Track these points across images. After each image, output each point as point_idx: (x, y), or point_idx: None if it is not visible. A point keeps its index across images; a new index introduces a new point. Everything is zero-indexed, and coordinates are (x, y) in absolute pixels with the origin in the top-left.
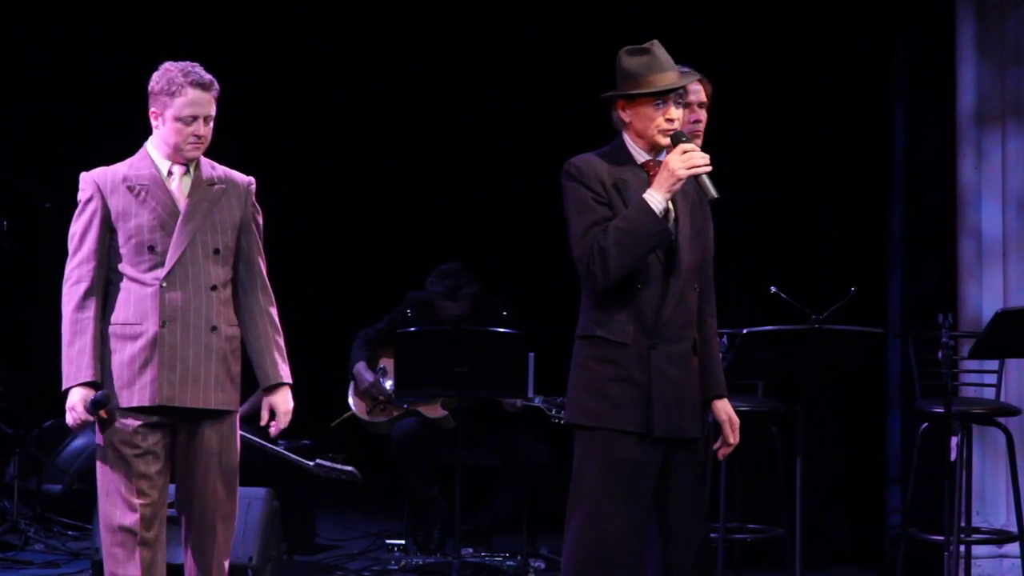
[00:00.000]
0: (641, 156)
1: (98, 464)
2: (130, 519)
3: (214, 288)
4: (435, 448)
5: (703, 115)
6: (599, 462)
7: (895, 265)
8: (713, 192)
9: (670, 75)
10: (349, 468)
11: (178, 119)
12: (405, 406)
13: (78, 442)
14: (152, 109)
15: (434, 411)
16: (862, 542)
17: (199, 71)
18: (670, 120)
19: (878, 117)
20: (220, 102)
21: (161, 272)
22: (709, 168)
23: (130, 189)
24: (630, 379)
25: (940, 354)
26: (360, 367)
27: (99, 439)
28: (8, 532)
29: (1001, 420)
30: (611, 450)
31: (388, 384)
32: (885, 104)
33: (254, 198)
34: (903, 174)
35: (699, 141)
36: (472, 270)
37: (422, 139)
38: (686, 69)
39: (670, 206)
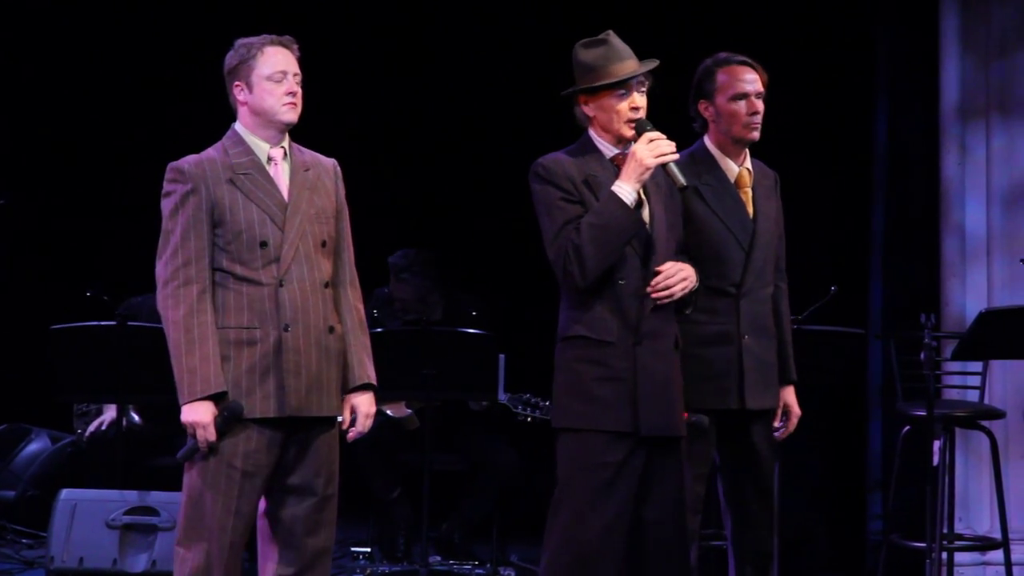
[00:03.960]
0: (609, 150)
1: (195, 474)
2: (220, 543)
3: (326, 285)
4: (395, 448)
5: (761, 106)
6: (583, 465)
7: (876, 264)
8: (682, 180)
9: (629, 63)
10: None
11: (268, 78)
12: None
13: (33, 447)
14: (236, 83)
15: (398, 410)
16: (842, 549)
17: (273, 36)
18: (635, 108)
19: (859, 112)
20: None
21: (275, 269)
22: (676, 156)
23: (233, 179)
24: (616, 378)
25: (923, 355)
26: None
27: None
28: None
29: (985, 423)
30: (596, 452)
31: None
32: (866, 98)
33: (342, 182)
34: (885, 170)
35: (757, 134)
36: (430, 263)
37: (390, 132)
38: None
39: (643, 196)
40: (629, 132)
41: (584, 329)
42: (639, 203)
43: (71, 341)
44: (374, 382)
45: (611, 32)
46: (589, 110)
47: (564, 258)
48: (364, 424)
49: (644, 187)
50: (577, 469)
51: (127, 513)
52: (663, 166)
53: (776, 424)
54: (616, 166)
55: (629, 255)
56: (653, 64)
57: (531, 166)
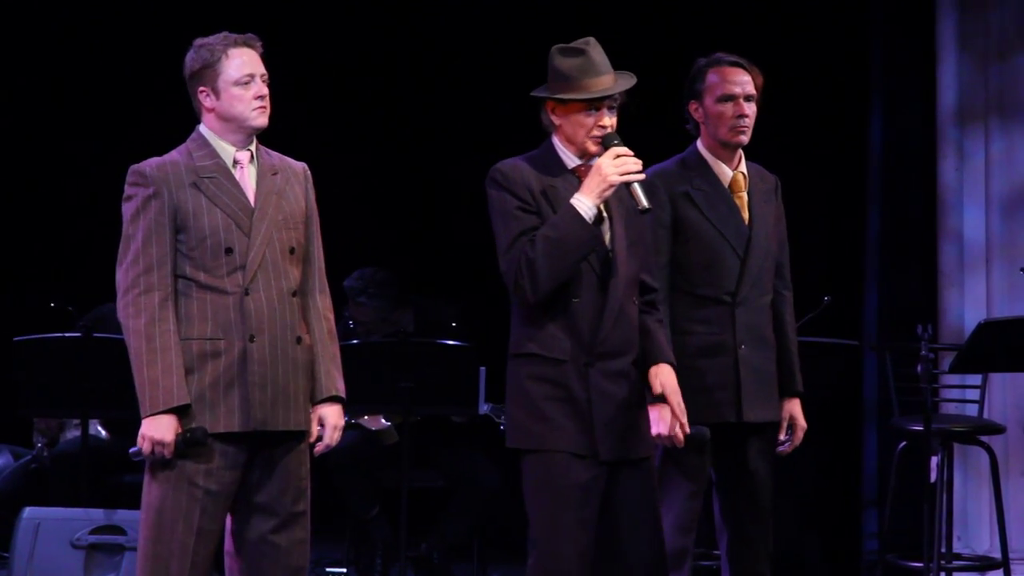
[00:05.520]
0: (572, 160)
1: (153, 495)
2: (181, 564)
3: (294, 293)
4: (374, 465)
5: (751, 109)
6: (548, 487)
7: (871, 273)
8: (645, 203)
9: (605, 79)
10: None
11: (236, 83)
12: (345, 419)
13: None
14: (201, 88)
15: (376, 422)
16: (836, 569)
17: (234, 34)
18: (602, 127)
19: (854, 115)
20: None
21: (241, 277)
22: (642, 176)
23: (197, 183)
24: (569, 398)
25: (919, 368)
26: None
27: (157, 465)
28: None
29: (984, 439)
30: (556, 474)
31: None
32: (861, 101)
33: (312, 186)
34: (880, 176)
35: (745, 138)
36: (388, 283)
37: (365, 138)
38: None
39: (604, 212)
40: (594, 148)
41: (536, 347)
42: (600, 219)
43: (35, 353)
44: (343, 394)
45: (591, 41)
46: (556, 118)
47: (516, 271)
48: (332, 437)
49: (606, 203)
50: (542, 493)
51: (93, 532)
52: (626, 185)
53: (781, 437)
54: (578, 177)
55: (585, 272)
56: (629, 83)
57: (489, 171)
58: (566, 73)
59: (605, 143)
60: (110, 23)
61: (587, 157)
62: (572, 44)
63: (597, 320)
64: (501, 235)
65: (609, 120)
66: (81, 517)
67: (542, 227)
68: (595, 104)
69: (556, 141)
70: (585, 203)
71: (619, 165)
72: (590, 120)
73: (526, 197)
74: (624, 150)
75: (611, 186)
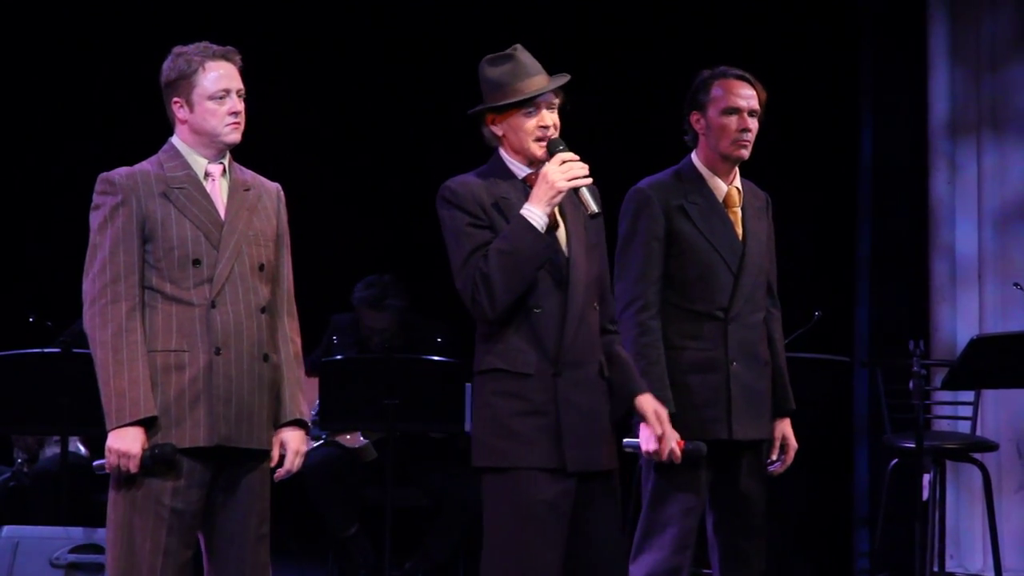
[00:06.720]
0: (521, 170)
1: (119, 514)
2: None
3: (263, 310)
4: (353, 481)
5: (754, 124)
6: (513, 507)
7: (862, 288)
8: (594, 207)
9: (537, 79)
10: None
11: (211, 98)
12: (324, 436)
13: None
14: (175, 99)
15: (353, 440)
16: None
17: (214, 45)
18: (543, 127)
19: (843, 127)
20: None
21: (208, 290)
22: (589, 181)
23: (166, 193)
24: (537, 411)
25: (911, 384)
26: None
27: (122, 483)
28: None
29: (977, 456)
30: (524, 492)
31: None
32: (851, 113)
33: (285, 207)
34: (870, 189)
35: (746, 152)
36: (403, 286)
37: (352, 152)
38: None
39: (558, 218)
40: (539, 151)
41: (500, 361)
42: (553, 226)
43: (13, 369)
44: (306, 418)
45: (519, 46)
46: (498, 129)
47: (472, 288)
48: (293, 463)
49: (561, 208)
50: (506, 513)
51: (72, 551)
52: (575, 190)
53: (773, 457)
54: (529, 186)
55: (544, 281)
56: (563, 80)
57: (439, 189)
58: (498, 80)
59: (550, 149)
60: (80, 37)
61: (536, 164)
62: (499, 53)
63: (560, 329)
64: (455, 253)
65: (550, 119)
66: (61, 536)
67: (495, 241)
68: (532, 104)
69: (503, 153)
70: (535, 212)
71: (565, 171)
72: (531, 122)
73: (477, 212)
74: (570, 155)
75: (559, 193)
